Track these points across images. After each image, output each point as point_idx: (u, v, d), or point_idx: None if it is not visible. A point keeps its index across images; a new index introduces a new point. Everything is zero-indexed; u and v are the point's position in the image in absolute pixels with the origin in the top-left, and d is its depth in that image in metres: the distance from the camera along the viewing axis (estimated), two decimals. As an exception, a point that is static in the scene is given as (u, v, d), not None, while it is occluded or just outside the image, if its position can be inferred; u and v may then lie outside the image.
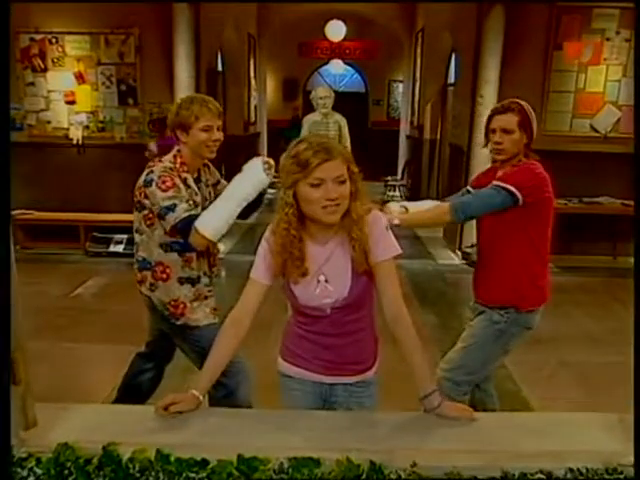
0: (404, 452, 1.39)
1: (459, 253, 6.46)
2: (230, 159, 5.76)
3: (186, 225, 2.13)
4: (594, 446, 1.48)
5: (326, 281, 1.66)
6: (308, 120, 5.88)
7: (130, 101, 6.46)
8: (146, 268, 2.35)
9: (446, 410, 1.62)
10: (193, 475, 1.29)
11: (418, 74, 9.75)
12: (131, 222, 2.39)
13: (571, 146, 6.01)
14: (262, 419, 1.67)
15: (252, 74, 9.84)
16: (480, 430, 1.57)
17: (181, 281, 2.33)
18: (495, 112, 2.37)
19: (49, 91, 6.47)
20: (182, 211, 2.14)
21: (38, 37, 6.31)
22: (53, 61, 6.38)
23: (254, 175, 2.18)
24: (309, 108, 6.33)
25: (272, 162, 2.22)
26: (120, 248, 6.20)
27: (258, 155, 2.35)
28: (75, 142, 6.48)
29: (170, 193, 2.16)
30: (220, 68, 8.05)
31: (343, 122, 5.82)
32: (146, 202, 2.24)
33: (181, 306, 2.34)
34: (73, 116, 6.49)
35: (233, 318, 1.71)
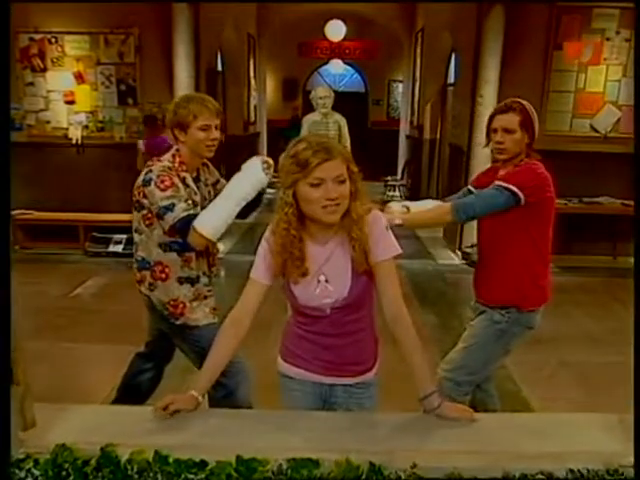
0: (404, 453, 1.39)
1: (459, 253, 6.45)
2: (230, 159, 5.76)
3: (185, 225, 2.12)
4: (595, 447, 1.47)
5: (326, 281, 1.65)
6: (308, 120, 5.87)
7: (130, 101, 6.45)
8: (145, 268, 2.35)
9: (446, 411, 1.62)
10: (192, 476, 1.28)
11: (418, 74, 9.75)
12: (130, 222, 2.38)
13: (571, 146, 6.00)
14: (261, 420, 1.66)
15: (252, 74, 9.84)
16: (480, 431, 1.56)
17: (180, 281, 2.33)
18: (497, 112, 2.36)
19: (48, 91, 6.47)
20: (181, 210, 2.13)
21: (37, 37, 6.31)
22: (52, 61, 6.38)
23: (253, 174, 2.17)
24: (309, 108, 6.32)
25: (271, 161, 2.21)
26: (119, 248, 6.20)
27: (258, 155, 2.34)
28: (74, 142, 6.47)
29: (169, 193, 2.15)
30: (220, 68, 8.05)
31: (343, 122, 5.81)
32: (145, 202, 2.23)
33: (180, 306, 2.34)
34: (72, 116, 6.49)
35: (233, 318, 1.70)
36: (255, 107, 10.26)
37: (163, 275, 2.32)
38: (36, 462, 1.30)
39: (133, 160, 5.70)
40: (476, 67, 6.04)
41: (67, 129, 6.51)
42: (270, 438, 1.50)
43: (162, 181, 2.16)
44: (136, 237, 2.37)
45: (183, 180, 2.25)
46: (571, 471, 1.34)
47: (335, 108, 5.86)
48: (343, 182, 1.56)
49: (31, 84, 6.43)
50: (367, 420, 1.65)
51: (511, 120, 2.29)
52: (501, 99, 2.92)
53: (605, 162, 6.02)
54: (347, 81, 14.31)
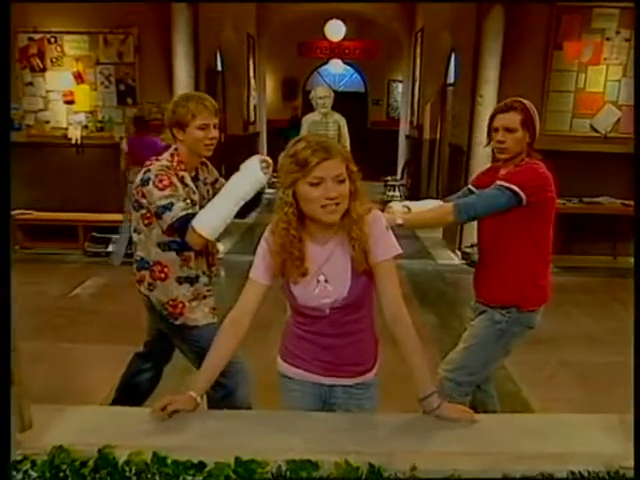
0: (403, 455, 1.38)
1: (459, 253, 6.45)
2: (229, 159, 5.75)
3: (183, 224, 2.12)
4: (595, 448, 1.47)
5: (326, 281, 1.65)
6: (307, 120, 5.87)
7: (129, 101, 6.45)
8: (144, 268, 2.34)
9: (446, 411, 1.61)
10: (190, 478, 1.27)
11: (418, 74, 9.74)
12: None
13: (571, 146, 6.00)
14: (260, 421, 1.66)
15: (251, 74, 9.83)
16: (480, 432, 1.56)
17: (180, 280, 2.32)
18: (498, 111, 2.35)
19: (48, 91, 6.47)
20: (179, 210, 2.12)
21: (37, 37, 6.31)
22: (52, 61, 6.38)
23: (252, 174, 2.17)
24: (309, 108, 6.32)
25: (270, 161, 2.21)
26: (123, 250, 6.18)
27: (257, 155, 2.33)
28: (74, 142, 6.47)
29: (167, 192, 2.15)
30: (219, 68, 8.05)
31: (342, 122, 5.81)
32: (143, 201, 2.23)
33: (180, 306, 2.33)
34: (72, 116, 6.49)
35: (232, 318, 1.70)
36: (255, 107, 10.26)
37: (162, 275, 2.31)
38: (33, 463, 1.29)
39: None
40: (476, 67, 6.03)
41: (66, 129, 6.51)
42: (269, 439, 1.50)
43: (160, 180, 2.16)
44: (135, 237, 2.36)
45: (182, 179, 2.24)
46: (572, 473, 1.34)
47: (335, 108, 5.86)
48: (342, 181, 1.56)
49: (30, 84, 6.42)
50: (367, 421, 1.65)
51: (512, 119, 2.28)
52: (501, 99, 2.92)
53: (605, 162, 6.01)
54: (347, 81, 14.31)
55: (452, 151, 7.35)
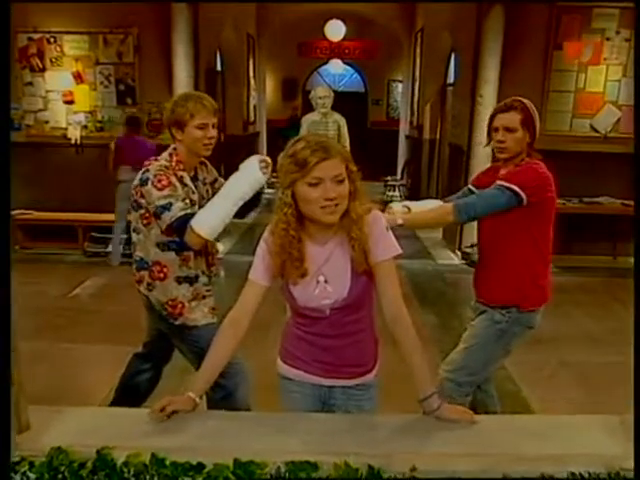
0: (403, 456, 1.38)
1: (459, 253, 6.45)
2: (229, 159, 5.74)
3: (182, 224, 2.11)
4: (596, 449, 1.46)
5: (325, 282, 1.64)
6: (307, 120, 5.86)
7: (129, 101, 6.44)
8: (143, 268, 2.34)
9: (446, 412, 1.61)
10: (188, 479, 1.27)
11: (417, 74, 9.73)
12: (129, 222, 2.37)
13: (571, 146, 5.99)
14: (260, 422, 1.65)
15: (251, 74, 9.82)
16: (480, 433, 1.55)
17: (179, 280, 2.32)
18: (498, 110, 2.35)
19: (47, 91, 6.46)
20: (178, 210, 2.12)
21: (36, 37, 6.30)
22: (51, 61, 6.37)
23: (250, 174, 2.16)
24: (308, 108, 6.31)
25: (269, 160, 2.20)
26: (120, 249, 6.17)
27: (257, 155, 2.33)
28: (73, 142, 6.46)
29: (166, 192, 2.14)
30: (219, 68, 8.04)
31: (342, 122, 5.80)
32: (142, 201, 2.22)
33: (179, 306, 2.33)
34: (71, 116, 6.48)
35: (231, 319, 1.69)
36: (254, 107, 10.25)
37: (161, 275, 2.31)
38: (31, 465, 1.28)
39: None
40: (476, 67, 6.03)
41: (66, 129, 6.50)
42: (268, 440, 1.49)
43: (159, 180, 2.15)
44: (134, 237, 2.36)
45: (181, 179, 2.24)
46: (572, 474, 1.33)
47: (335, 108, 5.85)
48: (342, 182, 1.55)
49: (30, 84, 6.42)
50: (366, 422, 1.64)
51: (512, 119, 2.28)
52: (501, 99, 2.91)
53: (605, 162, 6.01)
54: (347, 81, 14.30)
55: (452, 151, 7.34)
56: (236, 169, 2.23)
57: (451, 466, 1.36)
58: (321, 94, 5.71)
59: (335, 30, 12.11)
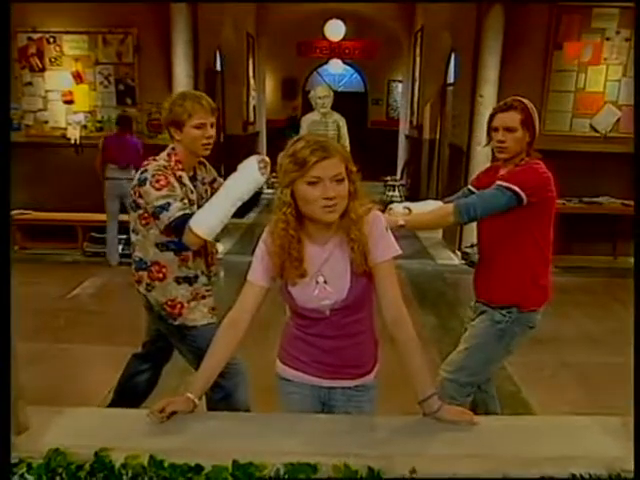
0: (403, 457, 1.37)
1: (459, 253, 6.44)
2: (229, 159, 5.73)
3: (180, 224, 2.10)
4: (597, 451, 1.46)
5: (325, 282, 1.63)
6: (307, 119, 5.86)
7: (128, 101, 6.44)
8: (142, 268, 2.33)
9: (445, 414, 1.60)
10: (187, 481, 1.26)
11: (417, 74, 9.73)
12: (128, 222, 2.37)
13: (571, 146, 5.99)
14: (259, 423, 1.65)
15: (251, 74, 9.82)
16: (481, 434, 1.54)
17: (178, 281, 2.31)
18: (498, 110, 2.35)
19: (47, 91, 6.46)
20: (176, 210, 2.11)
21: (36, 36, 6.30)
22: (51, 61, 6.37)
23: (249, 174, 2.15)
24: (308, 108, 6.30)
25: (268, 160, 2.19)
26: (119, 248, 6.17)
27: (257, 154, 2.32)
28: (73, 142, 6.46)
29: (164, 192, 2.13)
30: (219, 68, 8.03)
31: (342, 122, 5.80)
32: (141, 201, 2.22)
33: (178, 306, 2.32)
34: (71, 116, 6.48)
35: (231, 319, 1.69)
36: (254, 107, 10.24)
37: (160, 275, 2.30)
38: (29, 467, 1.28)
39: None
40: (476, 67, 6.02)
41: (65, 129, 6.50)
42: (267, 442, 1.49)
43: (157, 180, 2.15)
44: (133, 237, 2.35)
45: (179, 179, 2.23)
46: (573, 476, 1.33)
47: (334, 108, 5.85)
48: (341, 181, 1.54)
49: (29, 84, 6.41)
50: (366, 423, 1.63)
51: (512, 118, 2.27)
52: (501, 99, 2.91)
53: (605, 162, 6.00)
54: (346, 81, 14.30)
55: (452, 151, 7.33)
56: (236, 169, 2.22)
57: (451, 468, 1.36)
58: (321, 94, 5.70)
59: (335, 30, 12.11)
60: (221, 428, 1.57)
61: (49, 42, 6.32)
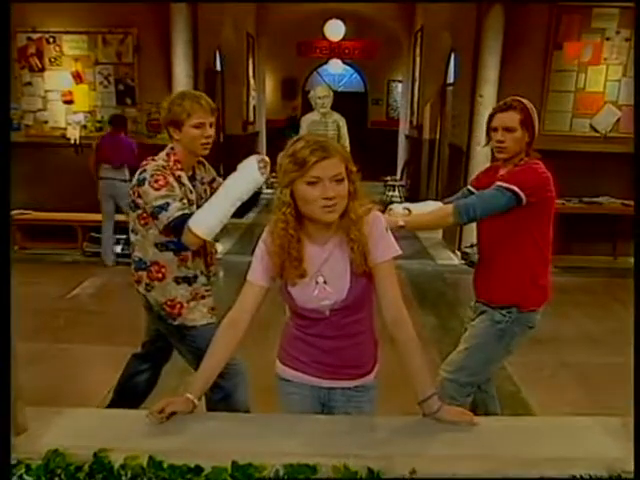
0: (403, 458, 1.37)
1: (458, 253, 6.44)
2: (229, 159, 5.73)
3: (179, 224, 2.10)
4: (597, 452, 1.45)
5: (324, 282, 1.63)
6: (307, 119, 5.85)
7: (128, 101, 6.43)
8: (142, 268, 2.33)
9: (445, 414, 1.59)
10: (186, 482, 1.26)
11: (417, 74, 9.73)
12: (125, 222, 2.37)
13: (571, 146, 5.99)
14: (259, 423, 1.64)
15: (251, 73, 9.82)
16: (481, 435, 1.54)
17: (178, 281, 2.31)
18: (497, 110, 2.34)
19: (46, 91, 6.46)
20: (175, 210, 2.11)
21: (35, 36, 6.30)
22: (50, 61, 6.36)
23: (249, 174, 2.15)
24: (308, 108, 6.30)
25: (267, 160, 2.19)
26: (118, 249, 6.17)
27: (257, 154, 2.32)
28: (72, 142, 6.46)
29: (163, 192, 2.13)
30: (219, 68, 8.03)
31: (342, 122, 5.80)
32: (140, 201, 2.21)
33: (178, 306, 2.32)
34: (70, 116, 6.47)
35: (230, 319, 1.68)
36: (254, 107, 10.24)
37: (160, 275, 2.30)
38: (28, 468, 1.27)
39: (138, 160, 5.68)
40: (476, 67, 6.02)
41: (65, 129, 6.49)
42: (267, 442, 1.48)
43: (156, 180, 2.14)
44: (132, 237, 2.35)
45: (178, 179, 2.23)
46: (573, 477, 1.32)
47: (334, 108, 5.84)
48: (341, 181, 1.54)
49: (29, 84, 6.41)
50: (366, 424, 1.63)
51: (512, 118, 2.27)
52: (501, 99, 2.90)
53: (605, 162, 6.00)
54: (346, 81, 14.30)
55: (452, 151, 7.33)
56: (235, 169, 2.22)
57: (451, 468, 1.35)
58: (321, 94, 5.70)
59: (335, 30, 12.11)
60: (220, 429, 1.57)
61: (49, 42, 6.32)
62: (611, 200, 6.19)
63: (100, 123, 6.47)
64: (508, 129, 2.27)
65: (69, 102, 6.45)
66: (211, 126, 2.26)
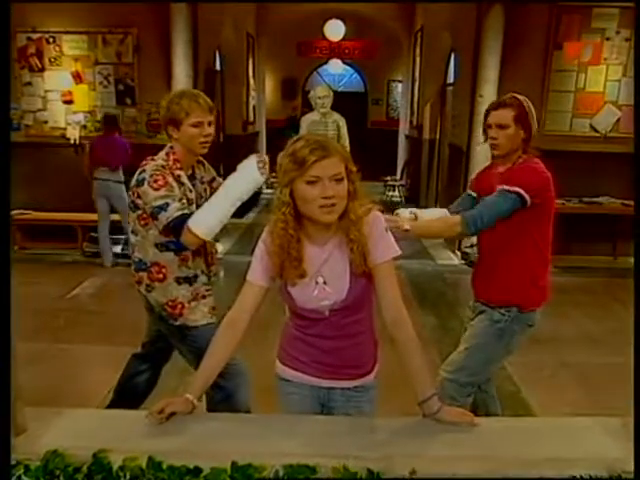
0: (403, 459, 1.36)
1: (458, 253, 6.44)
2: (229, 158, 5.72)
3: (179, 224, 2.10)
4: (597, 452, 1.45)
5: (324, 283, 1.63)
6: (307, 120, 5.85)
7: (128, 101, 6.43)
8: (142, 269, 2.32)
9: (445, 415, 1.59)
10: (186, 483, 1.26)
11: (417, 74, 9.73)
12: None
13: (571, 146, 5.98)
14: (258, 424, 1.64)
15: (251, 73, 9.81)
16: (481, 436, 1.54)
17: (179, 281, 2.30)
18: (491, 107, 2.35)
19: (46, 91, 6.46)
20: (174, 210, 2.11)
21: (35, 36, 6.29)
22: (50, 61, 6.36)
23: (249, 174, 2.15)
24: (308, 108, 6.30)
25: (266, 159, 2.19)
26: (117, 249, 6.17)
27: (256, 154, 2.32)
28: (72, 142, 6.45)
29: (162, 192, 2.13)
30: (218, 68, 8.03)
31: (342, 122, 5.79)
32: (139, 202, 2.21)
33: (179, 306, 2.31)
34: (70, 116, 6.47)
35: (230, 320, 1.68)
36: (254, 107, 10.24)
37: (160, 276, 2.29)
38: (27, 469, 1.27)
39: (132, 160, 5.68)
40: (476, 67, 6.02)
41: (65, 129, 6.49)
42: (266, 443, 1.48)
43: (155, 180, 2.14)
44: (132, 238, 2.35)
45: (178, 178, 2.22)
46: (573, 477, 1.32)
47: (334, 108, 5.84)
48: (340, 181, 1.54)
49: (29, 84, 6.41)
50: (366, 425, 1.63)
51: (505, 115, 2.27)
52: (501, 98, 2.90)
53: (605, 162, 6.00)
54: (346, 81, 14.30)
55: (452, 151, 7.33)
56: (235, 169, 2.21)
57: (451, 469, 1.35)
58: (321, 94, 5.69)
59: (335, 30, 12.11)
60: (220, 429, 1.57)
61: (48, 42, 6.32)
62: (611, 200, 6.19)
63: (100, 123, 6.46)
64: (501, 126, 2.27)
65: (69, 102, 6.45)
66: (210, 125, 2.25)
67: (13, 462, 1.29)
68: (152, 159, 2.24)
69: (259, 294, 1.67)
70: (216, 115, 2.34)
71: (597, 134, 6.19)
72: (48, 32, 6.29)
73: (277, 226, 1.59)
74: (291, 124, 11.18)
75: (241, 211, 2.23)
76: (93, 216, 6.19)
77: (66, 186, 6.35)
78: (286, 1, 9.46)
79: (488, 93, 5.88)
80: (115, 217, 5.99)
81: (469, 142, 6.17)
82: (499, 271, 2.36)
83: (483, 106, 5.76)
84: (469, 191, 2.56)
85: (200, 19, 6.24)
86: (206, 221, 2.10)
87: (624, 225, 5.63)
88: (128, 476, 1.26)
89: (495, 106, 2.33)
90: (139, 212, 2.24)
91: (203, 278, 2.37)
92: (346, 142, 5.62)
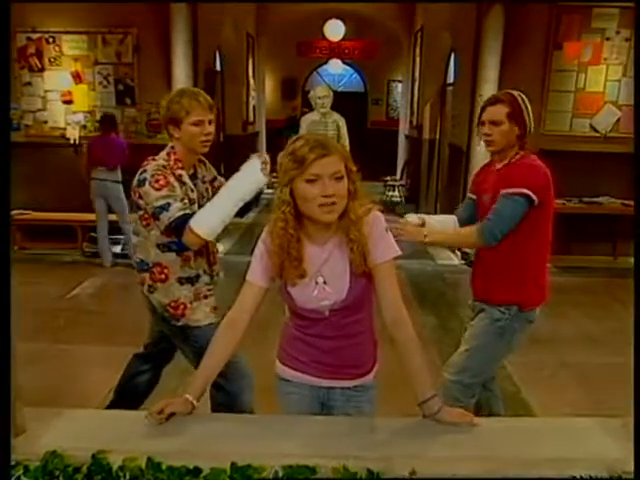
0: (403, 459, 1.36)
1: (458, 253, 6.43)
2: (229, 158, 5.73)
3: (180, 224, 2.09)
4: (597, 453, 1.45)
5: (324, 283, 1.63)
6: (306, 119, 5.85)
7: (128, 101, 6.43)
8: (144, 270, 2.32)
9: (446, 415, 1.59)
10: (185, 484, 1.25)
11: (417, 74, 9.72)
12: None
13: (571, 146, 5.99)
14: (258, 424, 1.64)
15: (251, 74, 9.82)
16: (481, 436, 1.54)
17: (181, 281, 2.30)
18: (486, 104, 2.35)
19: (46, 91, 6.46)
20: (176, 210, 2.10)
21: (35, 36, 6.29)
22: (50, 61, 6.36)
23: (252, 174, 2.15)
24: (308, 108, 6.29)
25: (267, 159, 2.19)
26: (117, 249, 6.17)
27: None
28: (72, 142, 6.45)
29: (164, 192, 2.12)
30: (218, 68, 8.03)
31: (342, 122, 5.79)
32: (141, 202, 2.20)
33: (181, 307, 2.31)
34: (70, 116, 6.47)
35: (229, 320, 1.68)
36: (254, 107, 10.24)
37: (162, 276, 2.29)
38: (26, 469, 1.27)
39: (132, 160, 5.68)
40: (475, 67, 6.02)
41: (65, 129, 6.49)
42: (266, 443, 1.48)
43: (157, 180, 2.13)
44: (134, 239, 2.35)
45: (179, 177, 2.22)
46: (573, 478, 1.32)
47: (334, 108, 5.83)
48: (340, 179, 1.54)
49: (29, 84, 6.41)
50: (365, 425, 1.62)
51: (498, 112, 2.26)
52: (501, 99, 2.89)
53: (605, 162, 6.00)
54: (346, 81, 14.30)
55: (452, 151, 7.33)
56: (236, 169, 2.21)
57: (451, 469, 1.35)
58: (320, 94, 5.69)
59: (335, 30, 12.11)
60: (219, 430, 1.56)
61: (48, 42, 6.32)
62: (611, 200, 6.18)
63: (99, 123, 6.47)
64: (494, 122, 2.27)
65: (69, 102, 6.45)
66: (210, 123, 2.25)
67: (13, 462, 1.29)
68: (153, 159, 2.24)
69: (259, 294, 1.67)
70: (216, 114, 2.34)
71: (597, 134, 6.19)
72: (48, 32, 6.29)
73: (277, 225, 1.59)
74: (291, 124, 11.19)
75: (241, 211, 2.23)
76: (93, 216, 6.18)
77: (66, 186, 6.35)
78: (286, 1, 9.46)
79: (488, 93, 5.84)
80: (113, 217, 5.98)
81: (469, 142, 6.17)
82: (498, 270, 2.35)
83: (483, 106, 5.80)
84: (469, 194, 2.56)
85: (200, 19, 6.23)
86: (208, 221, 2.10)
87: (624, 225, 5.63)
88: (128, 476, 1.26)
89: (491, 102, 2.32)
90: (141, 212, 2.24)
91: (205, 278, 2.37)
92: (346, 142, 5.61)
